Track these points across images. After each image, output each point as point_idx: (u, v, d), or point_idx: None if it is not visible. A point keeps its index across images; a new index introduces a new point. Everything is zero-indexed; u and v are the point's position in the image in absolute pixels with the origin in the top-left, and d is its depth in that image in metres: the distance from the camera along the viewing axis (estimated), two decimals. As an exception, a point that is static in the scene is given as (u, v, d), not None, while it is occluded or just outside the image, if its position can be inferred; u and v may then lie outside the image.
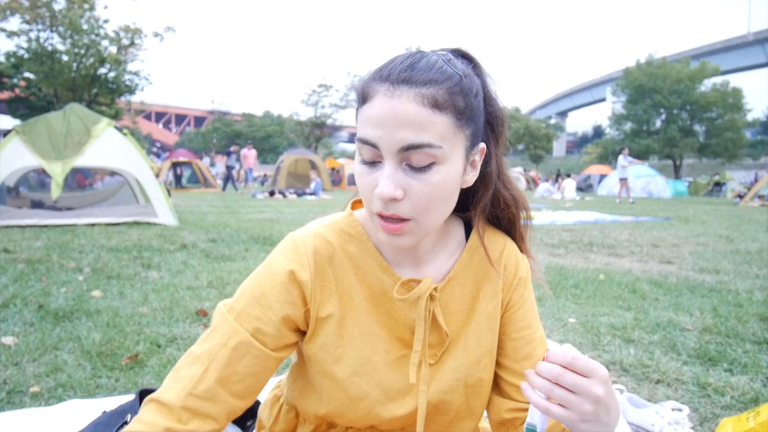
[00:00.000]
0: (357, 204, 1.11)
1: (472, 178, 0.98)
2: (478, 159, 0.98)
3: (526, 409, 1.04)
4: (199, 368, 0.95)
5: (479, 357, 1.07)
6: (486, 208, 1.07)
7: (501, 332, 1.11)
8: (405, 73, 0.85)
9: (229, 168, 23.32)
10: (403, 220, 0.89)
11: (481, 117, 0.95)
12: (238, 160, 24.52)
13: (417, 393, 1.02)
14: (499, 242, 1.13)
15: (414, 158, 0.86)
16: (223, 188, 23.45)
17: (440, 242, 1.07)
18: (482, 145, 0.98)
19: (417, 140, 0.84)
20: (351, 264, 1.02)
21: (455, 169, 0.91)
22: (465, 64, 0.95)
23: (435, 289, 1.02)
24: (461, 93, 0.88)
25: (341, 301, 1.01)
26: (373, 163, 0.89)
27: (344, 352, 1.00)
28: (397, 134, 0.84)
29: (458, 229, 1.11)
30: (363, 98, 0.89)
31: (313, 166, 23.36)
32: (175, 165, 25.19)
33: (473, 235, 1.09)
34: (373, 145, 0.87)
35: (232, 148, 24.02)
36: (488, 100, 0.98)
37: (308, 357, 1.04)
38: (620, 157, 18.83)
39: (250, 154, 23.22)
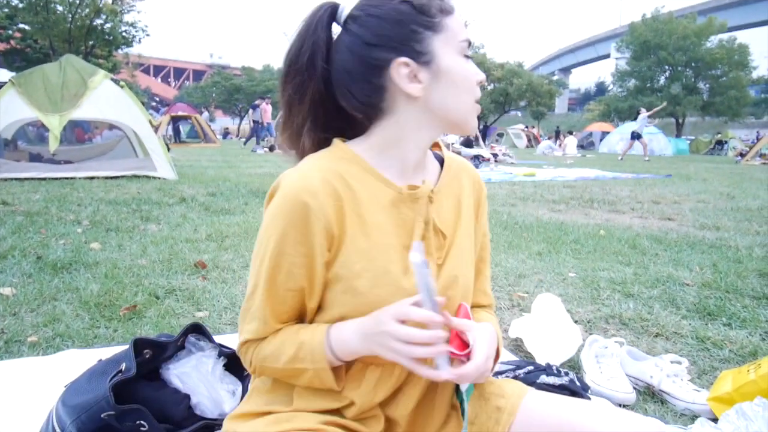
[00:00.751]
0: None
1: None
2: None
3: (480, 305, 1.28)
4: (257, 324, 1.08)
5: (469, 257, 1.19)
6: None
7: None
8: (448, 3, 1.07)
9: (255, 123, 22.71)
10: None
11: None
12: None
13: None
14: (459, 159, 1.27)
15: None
16: (245, 143, 23.08)
17: (424, 160, 1.16)
18: None
19: None
20: (354, 182, 1.07)
21: None
22: None
23: (432, 191, 1.12)
24: None
25: (351, 219, 1.05)
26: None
27: (363, 267, 1.04)
28: None
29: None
30: (449, 11, 1.06)
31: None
32: (174, 119, 24.97)
33: (445, 153, 1.22)
34: (470, 43, 1.09)
35: (257, 102, 23.41)
36: None
37: (329, 279, 1.07)
38: (641, 117, 18.72)
39: (267, 109, 22.72)
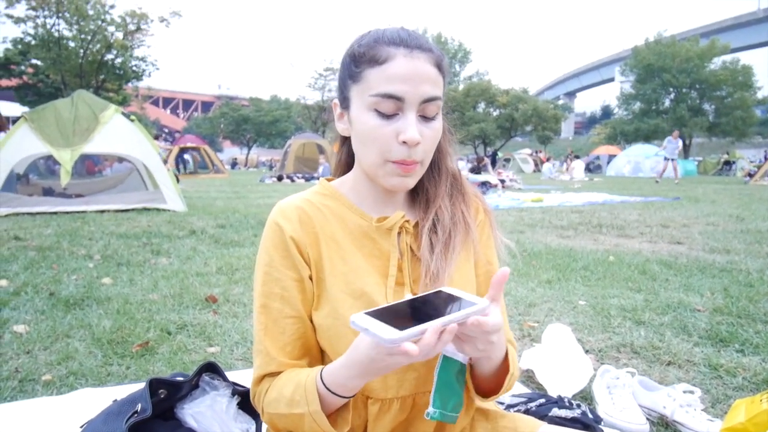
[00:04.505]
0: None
1: None
2: None
3: None
4: (261, 358, 1.12)
5: (465, 288, 1.14)
6: None
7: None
8: (415, 40, 1.04)
9: None
10: (415, 162, 1.05)
11: (446, 80, 1.12)
12: None
13: None
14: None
15: (428, 109, 1.04)
16: None
17: (409, 192, 1.20)
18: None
19: (433, 93, 1.03)
20: (331, 214, 1.16)
21: (441, 119, 1.10)
22: None
23: (407, 222, 1.15)
24: (444, 60, 1.08)
25: (327, 244, 1.13)
26: (392, 116, 1.03)
27: (341, 289, 1.10)
28: (420, 88, 1.02)
29: None
30: (378, 60, 1.03)
31: (321, 150, 23.29)
32: (182, 151, 25.20)
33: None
34: (399, 99, 1.01)
35: None
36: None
37: (318, 304, 1.13)
38: (669, 139, 18.88)
39: None
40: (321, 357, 1.16)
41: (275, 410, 1.07)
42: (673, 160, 19.14)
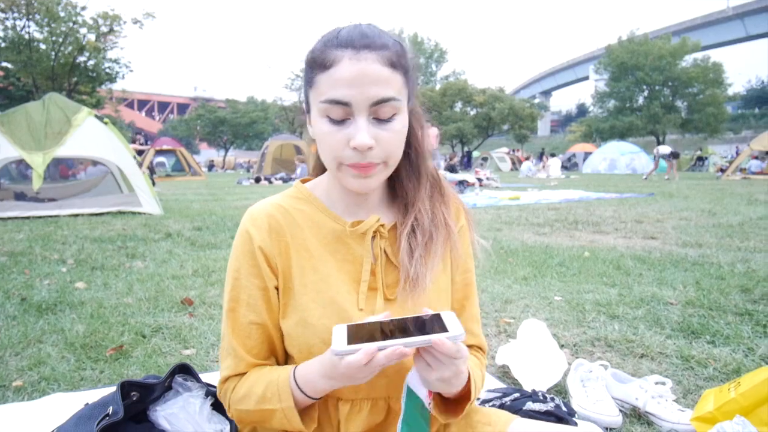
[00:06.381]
0: (304, 182, 1.25)
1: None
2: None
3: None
4: (231, 360, 1.12)
5: (437, 296, 1.17)
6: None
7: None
8: (364, 40, 0.99)
9: None
10: (372, 164, 1.02)
11: (412, 77, 1.09)
12: None
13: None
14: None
15: (381, 111, 1.00)
16: None
17: (375, 196, 1.17)
18: (413, 100, 1.11)
19: (384, 95, 0.99)
20: (304, 219, 1.14)
21: (406, 119, 1.06)
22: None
23: (383, 226, 1.14)
24: (404, 56, 1.03)
25: (298, 253, 1.12)
26: (342, 121, 1.00)
27: (311, 298, 1.10)
28: (368, 91, 0.98)
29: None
30: (325, 65, 1.00)
31: (299, 151, 23.18)
32: (158, 153, 24.95)
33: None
34: (346, 104, 0.98)
35: None
36: (413, 63, 1.11)
37: (286, 313, 1.13)
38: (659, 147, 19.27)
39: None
40: (285, 359, 1.17)
41: (245, 407, 1.09)
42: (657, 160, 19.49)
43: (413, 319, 0.98)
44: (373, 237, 1.14)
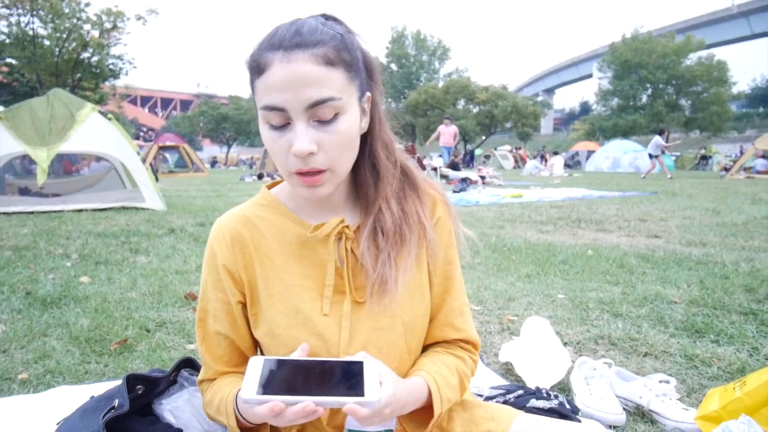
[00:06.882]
0: (271, 186, 1.24)
1: (365, 124, 1.07)
2: (367, 106, 1.07)
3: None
4: (203, 365, 1.19)
5: (410, 296, 1.13)
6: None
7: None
8: (295, 38, 0.93)
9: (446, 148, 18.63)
10: (320, 171, 0.98)
11: (362, 68, 1.03)
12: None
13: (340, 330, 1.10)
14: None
15: (320, 113, 0.94)
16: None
17: (339, 198, 1.14)
18: (368, 93, 1.06)
19: (320, 96, 0.93)
20: (268, 227, 1.13)
21: (355, 118, 1.00)
22: (337, 24, 1.02)
23: (347, 227, 1.11)
24: (345, 49, 0.97)
25: (263, 264, 1.12)
26: (282, 126, 0.97)
27: (277, 309, 1.09)
28: (301, 94, 0.92)
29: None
30: (259, 69, 0.96)
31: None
32: (161, 149, 24.98)
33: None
34: (281, 109, 0.94)
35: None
36: (364, 53, 1.05)
37: (254, 325, 1.14)
38: (657, 138, 18.98)
39: (447, 131, 18.31)
40: None
41: (209, 411, 1.16)
42: (656, 156, 19.33)
43: (342, 366, 0.93)
44: (340, 239, 1.11)
